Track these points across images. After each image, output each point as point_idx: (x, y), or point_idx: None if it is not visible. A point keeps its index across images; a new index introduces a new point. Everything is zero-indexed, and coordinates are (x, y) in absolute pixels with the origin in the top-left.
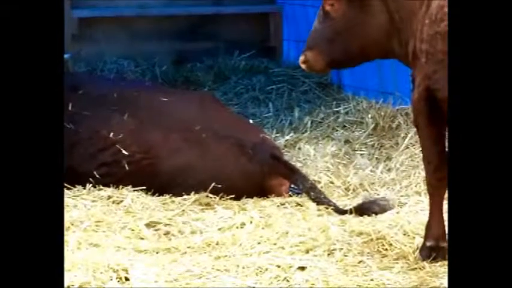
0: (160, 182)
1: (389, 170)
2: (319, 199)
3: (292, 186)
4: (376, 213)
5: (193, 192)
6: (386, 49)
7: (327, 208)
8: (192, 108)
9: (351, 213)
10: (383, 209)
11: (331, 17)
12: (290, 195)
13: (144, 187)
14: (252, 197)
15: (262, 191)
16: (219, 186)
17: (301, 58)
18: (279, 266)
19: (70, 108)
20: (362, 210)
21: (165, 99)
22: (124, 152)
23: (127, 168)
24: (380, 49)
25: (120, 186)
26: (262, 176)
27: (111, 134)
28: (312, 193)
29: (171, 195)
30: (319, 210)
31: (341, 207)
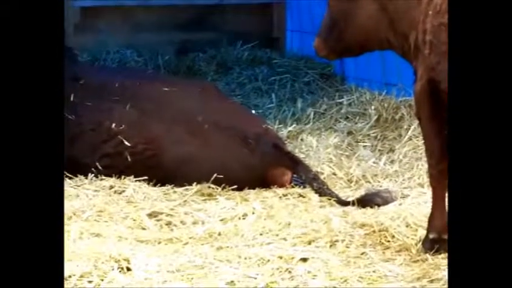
0: (162, 172)
1: (392, 161)
2: (322, 190)
3: (295, 177)
4: (379, 205)
5: (195, 183)
6: (381, 40)
7: (329, 199)
8: (194, 98)
9: (353, 204)
10: (386, 201)
11: (328, 6)
12: (292, 187)
13: (146, 177)
14: (254, 188)
15: (264, 182)
16: (221, 176)
17: (313, 44)
18: (281, 257)
19: (72, 98)
20: (364, 201)
21: (167, 90)
22: (126, 143)
23: (129, 159)
24: (374, 39)
25: (122, 177)
26: (264, 166)
27: (113, 125)
28: (315, 184)
29: (173, 185)
30: (321, 201)
31: (343, 198)
